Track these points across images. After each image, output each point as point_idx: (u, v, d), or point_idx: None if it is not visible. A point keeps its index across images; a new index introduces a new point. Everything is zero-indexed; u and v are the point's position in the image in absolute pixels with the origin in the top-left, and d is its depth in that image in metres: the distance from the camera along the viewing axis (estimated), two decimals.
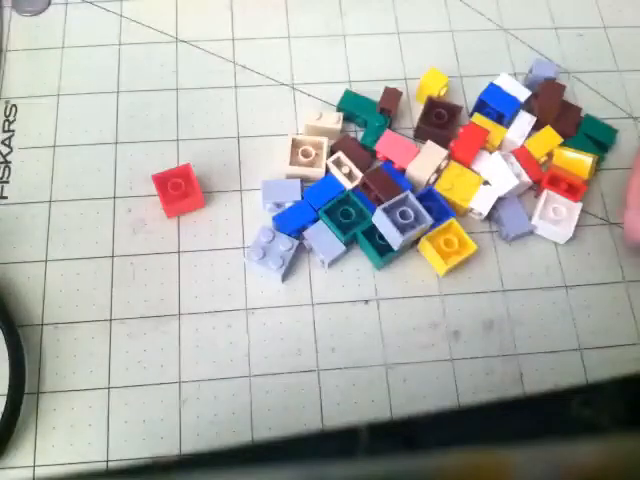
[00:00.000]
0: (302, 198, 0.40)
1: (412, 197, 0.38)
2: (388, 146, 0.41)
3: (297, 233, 0.39)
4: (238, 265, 0.39)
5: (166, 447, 0.35)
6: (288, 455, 0.19)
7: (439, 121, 0.42)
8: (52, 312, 0.38)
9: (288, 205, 0.40)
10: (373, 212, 0.38)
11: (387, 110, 0.42)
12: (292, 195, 0.40)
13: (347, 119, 0.43)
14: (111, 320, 0.38)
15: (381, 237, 0.39)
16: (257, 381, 0.37)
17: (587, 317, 0.39)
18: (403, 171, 0.41)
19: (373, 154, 0.42)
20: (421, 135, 0.43)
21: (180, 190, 0.39)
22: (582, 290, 0.40)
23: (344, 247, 0.39)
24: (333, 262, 0.39)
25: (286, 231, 0.39)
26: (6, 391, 0.35)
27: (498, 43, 0.47)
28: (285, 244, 0.38)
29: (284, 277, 0.39)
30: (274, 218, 0.39)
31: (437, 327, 0.38)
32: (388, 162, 0.41)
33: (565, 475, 0.18)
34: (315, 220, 0.39)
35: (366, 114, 0.43)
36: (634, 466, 0.18)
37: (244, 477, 0.19)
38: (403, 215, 0.38)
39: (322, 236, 0.39)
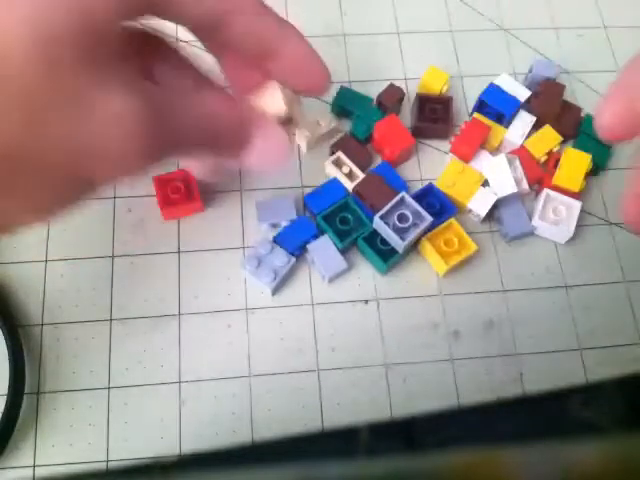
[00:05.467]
0: (304, 207, 0.40)
1: (408, 198, 0.38)
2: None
3: (300, 250, 0.39)
4: (238, 265, 0.39)
5: (166, 447, 0.35)
6: (288, 455, 0.19)
7: (434, 116, 0.42)
8: (52, 312, 0.38)
9: (284, 224, 0.39)
10: (371, 219, 0.38)
11: (384, 105, 0.42)
12: (287, 214, 0.39)
13: (344, 116, 0.43)
14: (111, 320, 0.38)
15: (382, 242, 0.39)
16: (257, 381, 0.37)
17: (587, 317, 0.39)
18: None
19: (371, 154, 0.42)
20: (420, 133, 0.43)
21: (179, 194, 0.39)
22: (582, 290, 0.40)
23: (345, 265, 0.38)
24: (334, 278, 0.39)
25: (289, 248, 0.38)
26: (6, 391, 0.35)
27: (498, 43, 0.47)
28: (281, 259, 0.38)
29: (275, 291, 0.38)
30: (274, 238, 0.39)
31: (437, 327, 0.38)
32: (382, 164, 0.41)
33: (565, 475, 0.18)
34: (316, 235, 0.39)
35: (361, 110, 0.42)
36: (634, 466, 0.18)
37: (244, 477, 0.19)
38: (401, 219, 0.38)
39: (325, 251, 0.38)
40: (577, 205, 0.40)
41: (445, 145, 0.43)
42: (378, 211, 0.38)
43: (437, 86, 0.43)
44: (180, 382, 0.36)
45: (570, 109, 0.44)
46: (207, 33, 0.25)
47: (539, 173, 0.41)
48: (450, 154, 0.42)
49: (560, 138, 0.42)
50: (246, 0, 0.24)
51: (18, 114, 0.19)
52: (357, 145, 0.42)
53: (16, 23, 0.18)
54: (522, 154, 0.42)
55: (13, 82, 0.18)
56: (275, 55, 0.25)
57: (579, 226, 0.40)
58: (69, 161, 0.20)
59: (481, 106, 0.43)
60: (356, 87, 0.44)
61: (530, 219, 0.40)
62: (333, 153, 0.41)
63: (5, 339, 0.36)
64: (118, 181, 0.23)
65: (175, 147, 0.23)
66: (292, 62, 0.26)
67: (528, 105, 0.44)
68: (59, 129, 0.19)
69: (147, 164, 0.22)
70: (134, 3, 0.21)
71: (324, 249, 0.39)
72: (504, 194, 0.40)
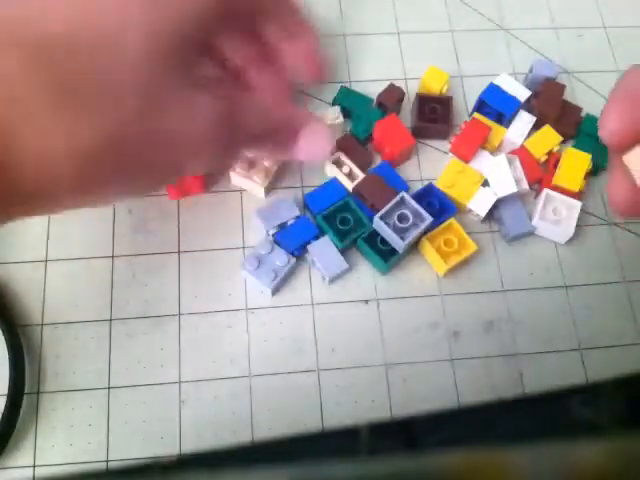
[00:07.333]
0: (304, 207, 0.40)
1: (407, 197, 0.38)
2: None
3: (300, 250, 0.39)
4: (238, 265, 0.39)
5: (166, 447, 0.35)
6: (288, 455, 0.19)
7: (434, 116, 0.43)
8: (52, 312, 0.38)
9: (290, 222, 0.39)
10: (371, 219, 0.38)
11: (384, 105, 0.42)
12: (291, 213, 0.39)
13: (344, 116, 0.43)
14: (111, 320, 0.38)
15: (383, 242, 0.39)
16: (257, 381, 0.37)
17: (587, 317, 0.39)
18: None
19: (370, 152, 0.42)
20: (420, 133, 0.43)
21: None
22: (582, 290, 0.40)
23: (346, 265, 0.38)
24: (334, 278, 0.39)
25: (289, 249, 0.38)
26: (6, 391, 0.35)
27: (498, 43, 0.47)
28: (281, 259, 0.38)
29: (275, 291, 0.38)
30: (274, 238, 0.39)
31: (437, 327, 0.38)
32: (382, 164, 0.41)
33: (565, 475, 0.18)
34: (317, 236, 0.39)
35: (361, 110, 0.42)
36: (634, 466, 0.18)
37: (244, 477, 0.19)
38: (401, 219, 0.38)
39: (325, 251, 0.38)
40: (577, 205, 0.40)
41: (445, 145, 0.43)
42: (378, 211, 0.38)
43: (437, 86, 0.43)
44: (180, 382, 0.36)
45: (570, 109, 0.44)
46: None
47: (539, 173, 0.41)
48: (450, 154, 0.42)
49: (560, 138, 0.42)
50: None
51: (133, 101, 0.22)
52: (357, 145, 0.42)
53: (131, 19, 0.22)
54: (522, 154, 0.42)
55: (129, 72, 0.22)
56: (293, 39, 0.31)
57: (579, 226, 0.40)
58: (167, 143, 0.24)
59: (481, 106, 0.43)
60: (356, 87, 0.44)
61: (530, 219, 0.40)
62: (333, 153, 0.41)
63: (5, 339, 0.36)
64: (198, 168, 0.29)
65: (243, 140, 0.29)
66: (303, 50, 0.32)
67: (528, 105, 0.44)
68: (163, 117, 0.23)
69: (222, 153, 0.27)
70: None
71: (324, 249, 0.39)
72: (504, 194, 0.40)
